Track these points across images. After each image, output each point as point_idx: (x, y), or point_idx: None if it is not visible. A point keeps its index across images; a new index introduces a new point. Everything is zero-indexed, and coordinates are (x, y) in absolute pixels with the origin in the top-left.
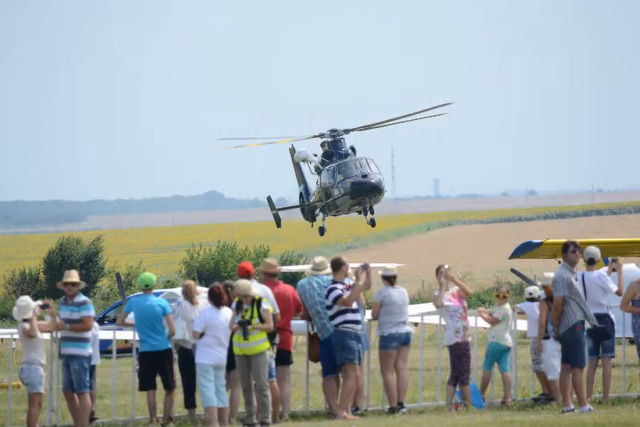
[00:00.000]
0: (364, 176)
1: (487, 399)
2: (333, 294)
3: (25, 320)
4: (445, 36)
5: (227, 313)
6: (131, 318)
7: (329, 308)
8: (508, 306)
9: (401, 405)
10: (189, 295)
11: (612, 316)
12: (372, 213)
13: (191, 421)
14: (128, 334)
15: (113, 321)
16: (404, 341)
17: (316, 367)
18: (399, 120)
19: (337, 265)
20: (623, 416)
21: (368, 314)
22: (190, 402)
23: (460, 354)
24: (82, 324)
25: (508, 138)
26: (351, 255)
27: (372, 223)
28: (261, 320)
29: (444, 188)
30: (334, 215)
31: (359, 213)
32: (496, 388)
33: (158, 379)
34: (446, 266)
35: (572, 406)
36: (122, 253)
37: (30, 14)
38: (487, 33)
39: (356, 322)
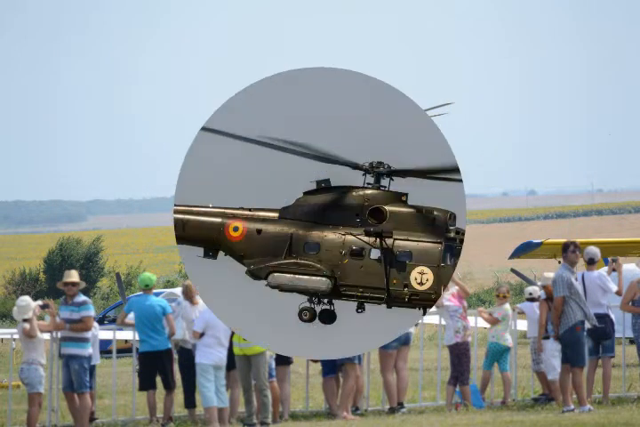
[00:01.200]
0: None
1: (487, 399)
2: None
3: (25, 320)
4: (445, 35)
5: None
6: (130, 317)
7: None
8: (508, 306)
9: (401, 405)
10: (189, 295)
11: (612, 316)
12: None
13: (191, 421)
14: (128, 334)
15: (113, 321)
16: (404, 341)
17: (316, 367)
18: None
19: None
20: (623, 416)
21: None
22: (190, 402)
23: (460, 354)
24: (82, 324)
25: (507, 138)
26: None
27: None
28: None
29: None
30: None
31: None
32: (496, 388)
33: (158, 379)
34: None
35: (572, 406)
36: (122, 253)
37: (30, 14)
38: (487, 33)
39: None
